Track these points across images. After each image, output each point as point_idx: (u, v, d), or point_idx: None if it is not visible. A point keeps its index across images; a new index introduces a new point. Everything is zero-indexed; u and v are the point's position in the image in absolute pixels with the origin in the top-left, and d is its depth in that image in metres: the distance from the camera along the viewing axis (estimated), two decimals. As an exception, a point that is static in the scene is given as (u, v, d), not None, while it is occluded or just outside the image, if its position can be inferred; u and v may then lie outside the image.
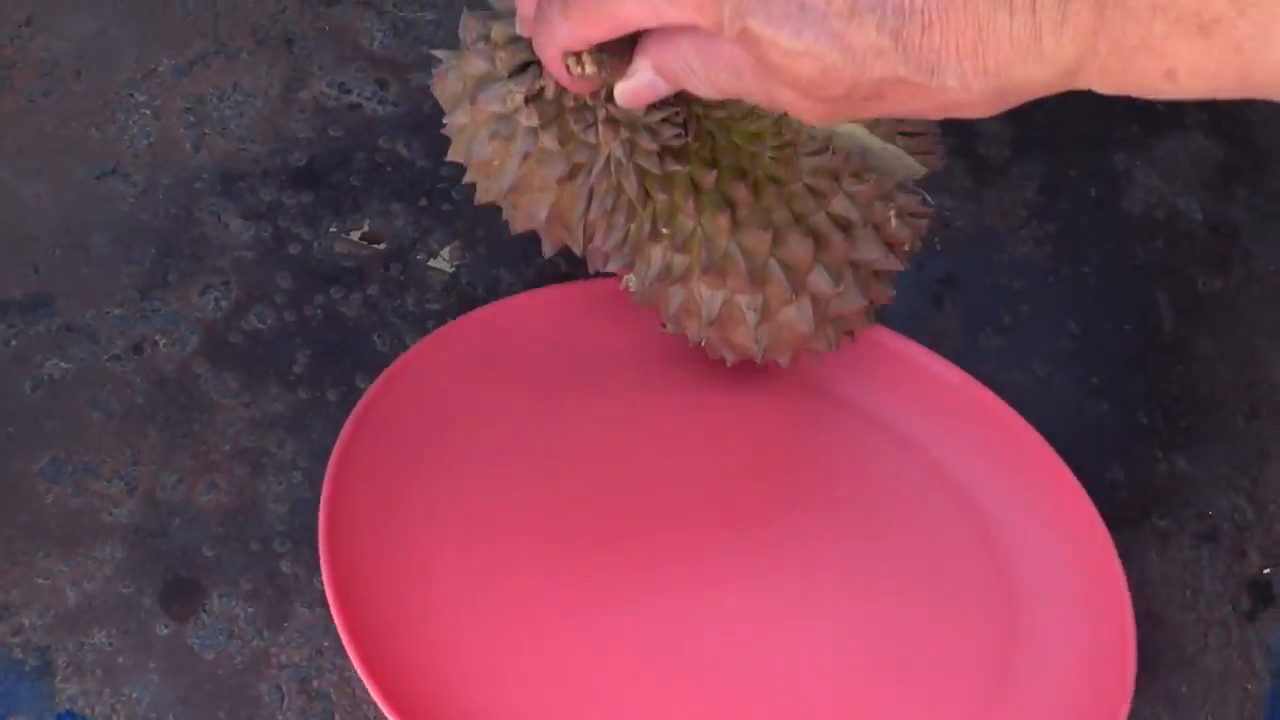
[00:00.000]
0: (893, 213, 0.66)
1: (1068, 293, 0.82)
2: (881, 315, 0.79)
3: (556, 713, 0.65)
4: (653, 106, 0.60)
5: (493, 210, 0.78)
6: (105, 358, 0.74)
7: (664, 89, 0.55)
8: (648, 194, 0.64)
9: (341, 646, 0.62)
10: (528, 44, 0.59)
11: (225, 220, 0.78)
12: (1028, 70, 0.46)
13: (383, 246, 0.78)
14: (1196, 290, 0.83)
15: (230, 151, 0.80)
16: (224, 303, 0.76)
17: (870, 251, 0.66)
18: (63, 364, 0.73)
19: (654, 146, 0.63)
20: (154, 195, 0.78)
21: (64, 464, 0.71)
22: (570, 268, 0.77)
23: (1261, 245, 0.85)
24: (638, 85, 0.55)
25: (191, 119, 0.82)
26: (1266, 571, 0.76)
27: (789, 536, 0.71)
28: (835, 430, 0.77)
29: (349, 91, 0.84)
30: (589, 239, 0.66)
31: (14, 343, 0.74)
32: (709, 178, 0.64)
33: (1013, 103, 0.48)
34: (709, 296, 0.66)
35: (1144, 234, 0.85)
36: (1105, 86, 0.46)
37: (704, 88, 0.53)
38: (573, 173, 0.63)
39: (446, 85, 0.65)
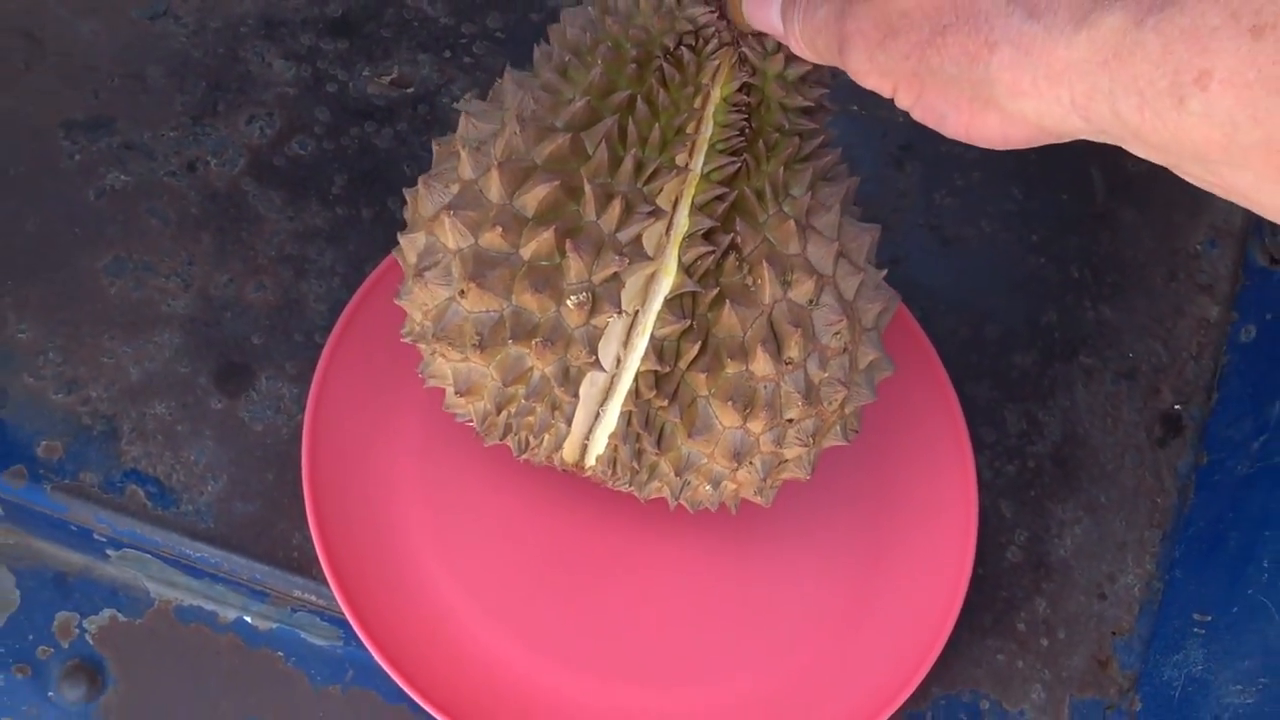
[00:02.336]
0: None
1: (1014, 164, 0.91)
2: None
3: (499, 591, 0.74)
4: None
5: (511, 63, 0.87)
6: (162, 173, 0.82)
7: (775, 18, 0.54)
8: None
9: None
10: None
11: (269, 60, 0.86)
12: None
13: (411, 90, 0.87)
14: (1126, 170, 0.93)
15: (272, 1, 0.89)
16: (268, 131, 0.84)
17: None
18: (123, 176, 0.81)
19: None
20: (203, 36, 0.86)
21: (125, 262, 0.79)
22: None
23: (1184, 135, 0.95)
24: None
25: (234, -27, 0.90)
26: (1177, 407, 0.86)
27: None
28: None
29: (377, -43, 0.92)
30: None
31: (78, 157, 0.82)
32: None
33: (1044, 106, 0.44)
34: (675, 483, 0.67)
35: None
36: (1120, 80, 0.41)
37: (796, 23, 0.52)
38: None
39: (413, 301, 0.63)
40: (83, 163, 0.82)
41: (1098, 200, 0.92)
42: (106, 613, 0.74)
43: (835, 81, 0.61)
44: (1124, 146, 0.43)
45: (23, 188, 0.80)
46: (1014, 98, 0.44)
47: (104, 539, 0.74)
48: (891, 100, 0.50)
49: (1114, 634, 0.79)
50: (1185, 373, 0.87)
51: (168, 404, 0.76)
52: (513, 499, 0.75)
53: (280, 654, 0.74)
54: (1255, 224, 0.91)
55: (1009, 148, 0.47)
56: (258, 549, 0.73)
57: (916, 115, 0.49)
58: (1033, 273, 0.88)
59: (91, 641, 0.73)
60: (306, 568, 0.73)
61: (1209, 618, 0.76)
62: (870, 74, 0.49)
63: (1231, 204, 0.92)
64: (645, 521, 0.75)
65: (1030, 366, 0.85)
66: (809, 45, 0.52)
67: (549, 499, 0.75)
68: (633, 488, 0.67)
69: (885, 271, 0.65)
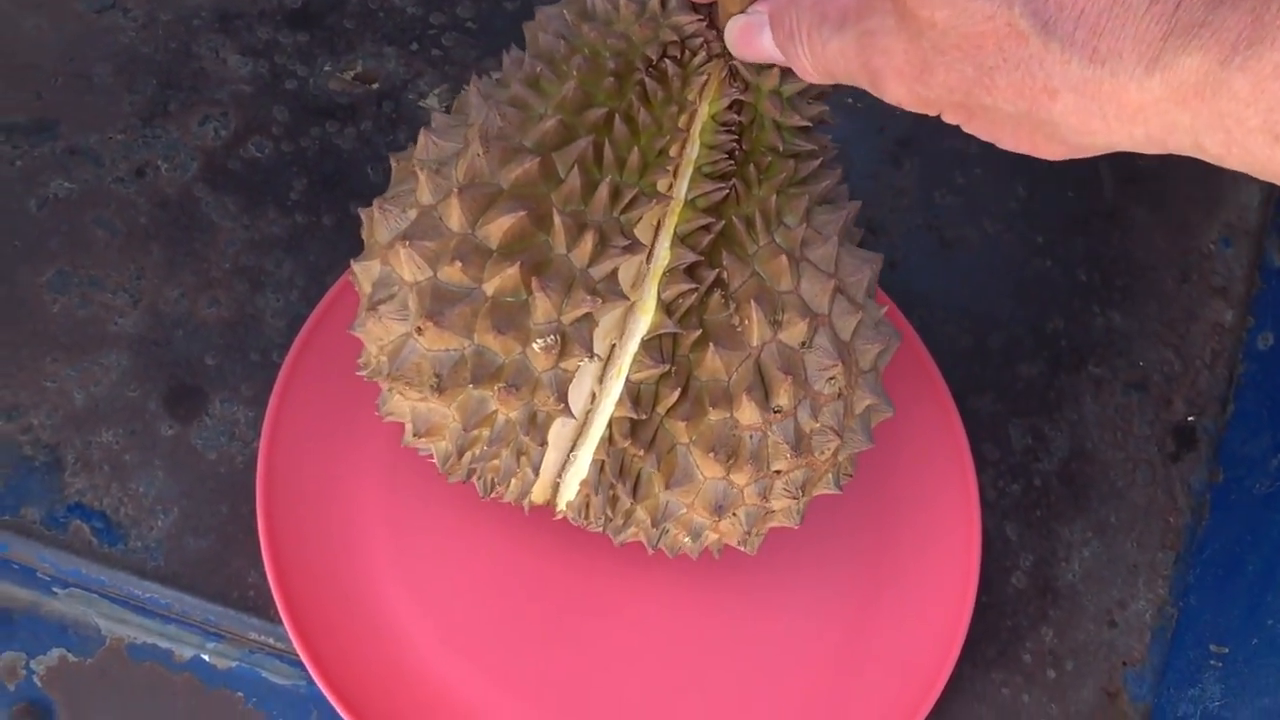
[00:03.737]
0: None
1: (1018, 160, 0.86)
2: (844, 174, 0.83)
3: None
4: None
5: (483, 56, 0.82)
6: (109, 180, 0.77)
7: (770, 47, 0.51)
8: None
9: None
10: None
11: (223, 56, 0.81)
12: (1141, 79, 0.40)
13: (375, 86, 0.82)
14: (1136, 164, 0.88)
15: (227, -8, 0.83)
16: (223, 132, 0.79)
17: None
18: (67, 184, 0.76)
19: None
20: (153, 30, 0.81)
21: (70, 276, 0.74)
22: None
23: (1197, 125, 0.90)
24: (748, 23, 0.52)
25: (188, -40, 0.84)
26: (1190, 419, 0.81)
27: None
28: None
29: (341, -58, 0.87)
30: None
31: (19, 163, 0.77)
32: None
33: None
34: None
35: (1089, 110, 0.90)
36: (1203, 118, 0.40)
37: (804, 55, 0.49)
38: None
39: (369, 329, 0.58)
40: (24, 169, 0.76)
41: (1106, 198, 0.87)
42: (55, 652, 0.69)
43: (836, 89, 0.55)
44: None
45: (-41, 197, 0.75)
46: (1083, 136, 0.43)
47: (48, 578, 0.69)
48: None
49: (1125, 664, 0.75)
50: (1199, 382, 0.82)
51: (115, 431, 0.71)
52: (482, 535, 0.70)
53: (240, 694, 0.70)
54: (1273, 222, 0.86)
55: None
56: (210, 588, 0.69)
57: (967, 130, 0.47)
58: (1038, 276, 0.84)
59: (39, 683, 0.69)
60: (263, 608, 0.68)
61: (1226, 649, 0.72)
62: (910, 103, 0.47)
63: (1247, 200, 0.87)
64: (623, 558, 0.71)
65: (1036, 377, 0.80)
66: (826, 76, 0.49)
67: (520, 536, 0.70)
68: (607, 532, 0.62)
69: (885, 309, 0.60)
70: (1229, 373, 0.83)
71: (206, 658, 0.70)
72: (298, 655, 0.68)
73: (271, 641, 0.69)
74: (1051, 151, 0.45)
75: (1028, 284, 0.83)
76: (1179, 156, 0.89)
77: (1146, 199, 0.87)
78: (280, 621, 0.67)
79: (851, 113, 0.85)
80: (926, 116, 0.47)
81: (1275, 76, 0.37)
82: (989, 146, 0.88)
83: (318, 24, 0.83)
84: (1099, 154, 0.45)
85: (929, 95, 0.45)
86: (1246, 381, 0.82)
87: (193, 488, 0.70)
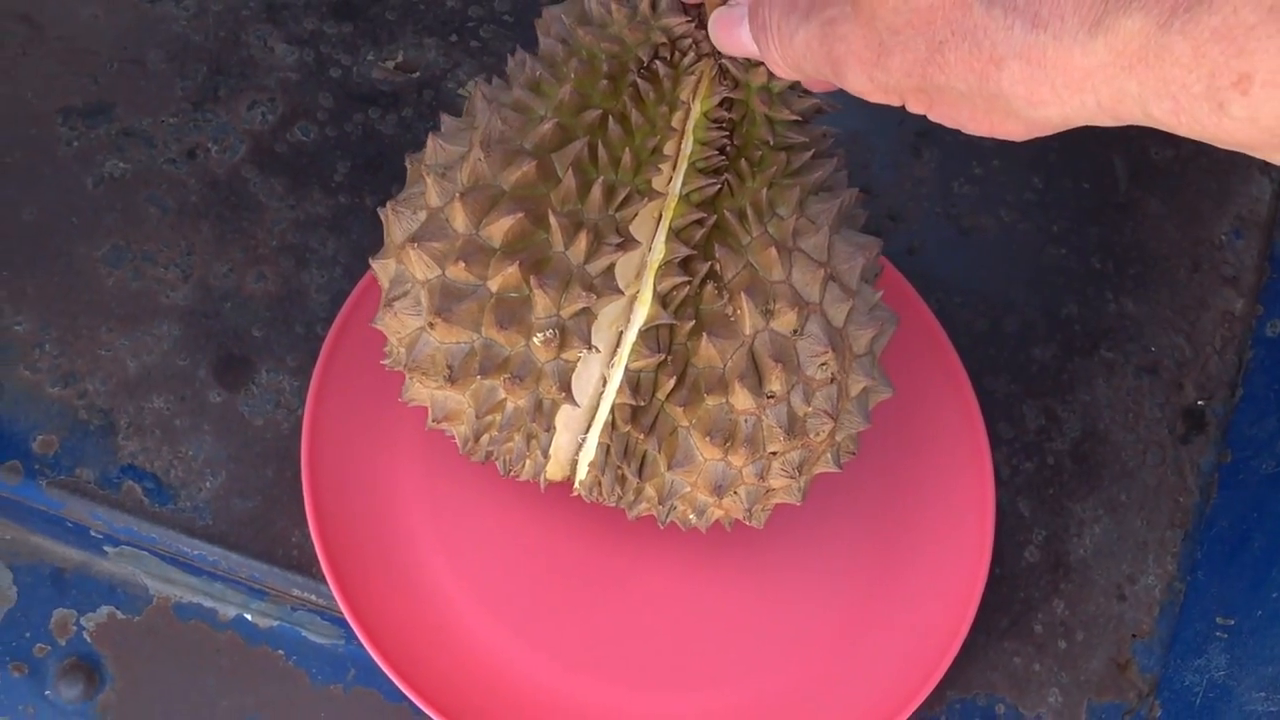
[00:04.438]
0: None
1: (1034, 152, 0.89)
2: (864, 163, 0.86)
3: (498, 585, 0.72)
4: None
5: (519, 46, 0.85)
6: (161, 160, 0.80)
7: (747, 40, 0.52)
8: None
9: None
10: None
11: (271, 45, 0.84)
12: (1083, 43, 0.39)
13: (416, 75, 0.85)
14: (1150, 157, 0.90)
15: (275, -16, 0.87)
16: (270, 117, 0.82)
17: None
18: (122, 164, 0.80)
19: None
20: (204, 20, 0.85)
21: (124, 251, 0.78)
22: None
23: (1209, 122, 0.92)
24: (729, 15, 0.53)
25: (237, -46, 0.88)
26: (1200, 403, 0.84)
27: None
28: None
29: (383, -62, 0.90)
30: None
31: (76, 144, 0.80)
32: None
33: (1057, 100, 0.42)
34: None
35: (1104, 106, 0.92)
36: (1149, 85, 0.39)
37: (774, 47, 0.50)
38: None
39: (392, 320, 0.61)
40: (81, 150, 0.80)
41: (1120, 189, 0.89)
42: (104, 610, 0.73)
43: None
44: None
45: (20, 176, 0.79)
46: (1034, 107, 0.42)
47: (101, 535, 0.72)
48: None
49: (1134, 636, 0.77)
50: (1209, 368, 0.85)
51: (166, 397, 0.74)
52: (514, 502, 0.73)
53: (281, 652, 0.73)
54: (1282, 214, 0.89)
55: (1032, 138, 0.45)
56: (256, 547, 0.72)
57: (934, 119, 0.46)
58: (1053, 263, 0.86)
59: (89, 639, 0.72)
60: (306, 566, 0.72)
61: (1232, 621, 0.74)
62: (873, 93, 0.47)
63: (1258, 193, 0.90)
64: (639, 530, 0.74)
65: (1049, 360, 0.83)
66: (796, 70, 0.49)
67: (550, 504, 0.73)
68: (621, 506, 0.65)
69: (881, 293, 0.62)
70: (1238, 359, 0.85)
71: (249, 617, 0.73)
72: (337, 612, 0.71)
73: (313, 598, 0.72)
74: (1010, 130, 0.44)
75: (1043, 271, 0.86)
76: (1191, 149, 0.91)
77: (1159, 190, 0.89)
78: (321, 579, 0.70)
79: (872, 106, 0.87)
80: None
81: (1214, 40, 0.36)
82: (1005, 140, 0.90)
83: (361, 15, 0.86)
84: (1057, 130, 0.43)
85: (888, 81, 0.45)
86: (1255, 367, 0.84)
87: (239, 452, 0.74)
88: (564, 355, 0.57)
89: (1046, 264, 0.86)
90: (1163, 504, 0.81)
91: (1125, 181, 0.90)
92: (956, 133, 0.89)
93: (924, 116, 0.46)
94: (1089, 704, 0.75)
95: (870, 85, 0.46)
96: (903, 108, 0.47)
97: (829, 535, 0.75)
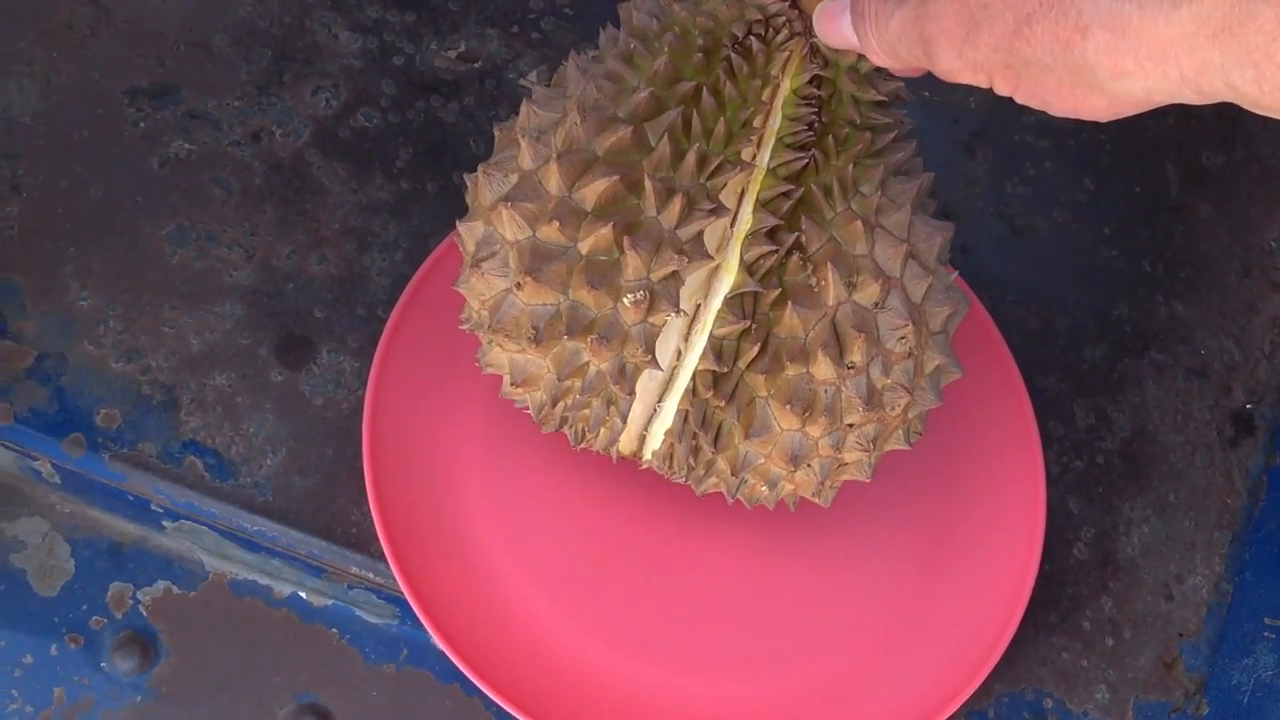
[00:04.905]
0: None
1: (1086, 155, 0.90)
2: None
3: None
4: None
5: (578, 40, 0.86)
6: (226, 142, 0.81)
7: (848, 32, 0.53)
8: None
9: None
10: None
11: (335, 31, 0.85)
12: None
13: (478, 65, 0.86)
14: (1201, 163, 0.91)
15: (339, -28, 0.88)
16: (334, 102, 0.83)
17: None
18: (187, 145, 0.81)
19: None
20: (269, 6, 0.86)
21: (188, 231, 0.78)
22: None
23: (1262, 130, 0.93)
24: (832, 8, 0.54)
25: (302, -57, 0.89)
26: (1249, 406, 0.84)
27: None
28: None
29: (445, -70, 0.91)
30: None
31: (142, 124, 0.81)
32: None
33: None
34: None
35: (1156, 111, 0.92)
36: (1233, 54, 0.39)
37: (871, 33, 0.51)
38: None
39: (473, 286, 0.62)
40: (147, 130, 0.81)
41: (1171, 193, 0.90)
42: (161, 584, 0.73)
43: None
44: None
45: (87, 155, 0.80)
46: (1117, 79, 0.42)
47: (161, 510, 0.73)
48: (964, 86, 0.49)
49: (1181, 635, 0.78)
50: (1258, 372, 0.85)
51: (228, 375, 0.75)
52: (574, 483, 0.74)
53: (335, 631, 0.73)
54: (1334, 221, 0.89)
55: (1115, 119, 0.46)
56: (315, 524, 0.73)
57: (1019, 100, 0.47)
58: (1104, 265, 0.87)
59: (145, 613, 0.73)
60: (364, 544, 0.72)
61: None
62: (962, 71, 0.48)
63: (1313, 199, 0.90)
64: (706, 510, 0.74)
65: (1100, 360, 0.84)
66: (891, 55, 0.51)
67: (610, 485, 0.74)
68: (689, 482, 0.66)
69: (956, 274, 0.63)
70: (1288, 364, 0.86)
71: (304, 595, 0.74)
72: (393, 591, 0.72)
73: (371, 576, 0.72)
74: (1094, 106, 0.45)
75: (1094, 272, 0.86)
76: (1242, 156, 0.91)
77: (1210, 195, 0.90)
78: (379, 557, 0.71)
79: (927, 106, 0.88)
80: (997, 109, 0.48)
81: None
82: (1058, 141, 0.91)
83: (424, 5, 0.87)
84: (1139, 109, 0.44)
85: (977, 57, 0.46)
86: (1304, 372, 0.85)
87: (300, 430, 0.74)
88: (651, 319, 0.58)
89: (1098, 265, 0.87)
90: (1211, 505, 0.81)
91: (1176, 186, 0.90)
92: (1010, 134, 0.90)
93: (980, 118, 0.47)
94: (1135, 701, 0.76)
95: (960, 63, 0.47)
96: (990, 90, 0.47)
97: (884, 525, 0.76)
